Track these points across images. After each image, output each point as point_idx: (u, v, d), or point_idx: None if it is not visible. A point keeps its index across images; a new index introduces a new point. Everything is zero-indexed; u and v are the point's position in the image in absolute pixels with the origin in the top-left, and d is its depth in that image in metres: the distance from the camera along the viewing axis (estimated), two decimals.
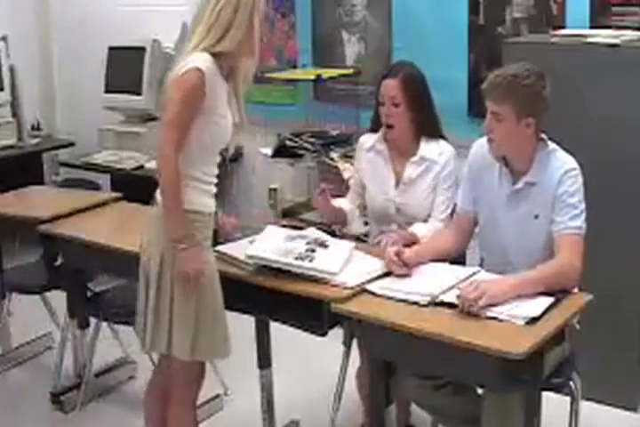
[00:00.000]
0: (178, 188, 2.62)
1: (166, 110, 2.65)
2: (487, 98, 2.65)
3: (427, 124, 3.16)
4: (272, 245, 2.84)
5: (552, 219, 2.65)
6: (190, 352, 2.74)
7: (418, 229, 3.08)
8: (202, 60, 2.61)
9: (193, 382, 2.88)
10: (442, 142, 3.18)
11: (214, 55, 2.64)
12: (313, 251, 2.83)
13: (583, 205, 2.66)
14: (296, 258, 2.77)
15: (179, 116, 2.61)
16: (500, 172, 2.76)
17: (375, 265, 2.81)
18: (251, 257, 2.80)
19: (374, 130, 3.26)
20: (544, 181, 2.68)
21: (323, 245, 2.89)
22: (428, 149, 3.15)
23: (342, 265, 2.77)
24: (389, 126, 3.15)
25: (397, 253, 2.71)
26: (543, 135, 2.72)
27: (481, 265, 2.88)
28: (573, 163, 2.69)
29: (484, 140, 2.77)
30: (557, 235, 2.63)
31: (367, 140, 3.28)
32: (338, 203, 3.28)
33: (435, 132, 3.18)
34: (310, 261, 2.77)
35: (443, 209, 3.13)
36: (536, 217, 2.69)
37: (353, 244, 2.98)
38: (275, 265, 2.77)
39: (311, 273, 2.73)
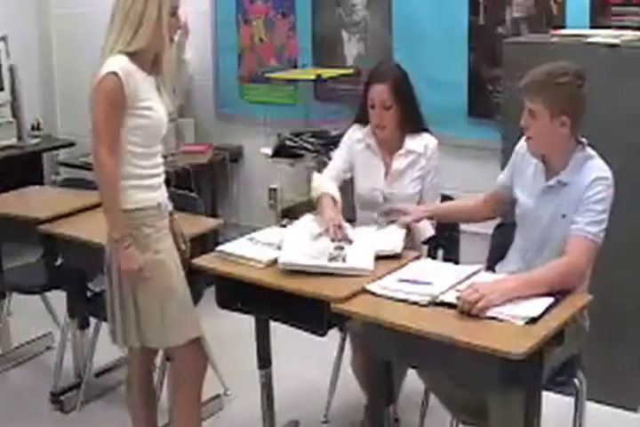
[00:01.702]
0: (115, 190, 2.74)
1: (92, 117, 2.74)
2: (523, 95, 2.66)
3: (413, 121, 3.24)
4: (301, 247, 2.83)
5: (572, 219, 2.65)
6: (162, 341, 2.84)
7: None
8: (115, 64, 2.71)
9: (199, 362, 2.96)
10: (425, 135, 3.27)
11: (132, 54, 2.73)
12: (342, 248, 2.86)
13: (605, 216, 2.63)
14: (329, 259, 2.78)
15: (105, 122, 2.71)
16: (536, 167, 2.78)
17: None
18: (284, 264, 2.75)
19: (361, 121, 3.30)
20: (575, 182, 2.67)
21: (347, 240, 2.92)
22: (413, 143, 3.25)
23: (373, 260, 2.80)
24: (382, 127, 3.21)
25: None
26: (583, 139, 2.71)
27: (502, 258, 2.87)
28: (608, 172, 2.67)
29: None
30: (570, 234, 2.62)
31: (356, 131, 3.33)
32: (327, 188, 3.19)
33: (418, 127, 3.26)
34: (344, 260, 2.79)
35: (432, 194, 3.27)
36: (563, 216, 2.69)
37: (372, 231, 3.04)
38: (310, 270, 2.74)
39: (348, 273, 2.74)
